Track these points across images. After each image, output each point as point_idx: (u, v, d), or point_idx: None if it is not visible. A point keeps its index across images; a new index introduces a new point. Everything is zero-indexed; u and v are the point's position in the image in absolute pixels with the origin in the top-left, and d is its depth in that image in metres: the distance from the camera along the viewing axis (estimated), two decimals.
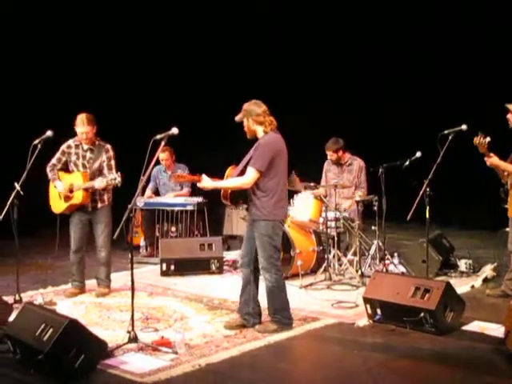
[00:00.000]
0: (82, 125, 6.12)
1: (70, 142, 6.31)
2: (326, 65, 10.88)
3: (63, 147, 6.32)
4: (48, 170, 6.32)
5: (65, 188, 6.19)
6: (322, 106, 10.69)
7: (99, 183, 5.98)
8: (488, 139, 5.71)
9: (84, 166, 6.24)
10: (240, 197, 5.27)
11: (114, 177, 5.96)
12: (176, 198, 8.33)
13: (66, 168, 6.34)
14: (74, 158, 6.27)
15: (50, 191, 6.41)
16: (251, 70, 11.08)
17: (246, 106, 5.26)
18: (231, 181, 5.23)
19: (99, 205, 6.28)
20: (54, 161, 6.32)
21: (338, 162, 7.62)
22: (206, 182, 5.18)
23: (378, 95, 10.53)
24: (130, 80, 10.91)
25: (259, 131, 5.21)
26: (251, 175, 5.08)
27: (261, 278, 5.32)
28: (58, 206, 6.32)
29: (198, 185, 5.22)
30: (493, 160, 5.86)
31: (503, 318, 4.88)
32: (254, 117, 5.17)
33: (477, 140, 5.72)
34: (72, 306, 6.02)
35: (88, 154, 6.25)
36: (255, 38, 11.03)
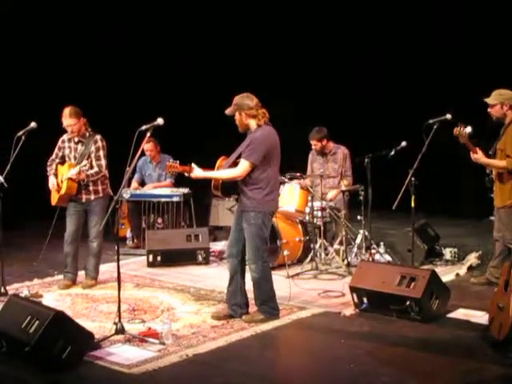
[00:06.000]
0: (65, 118, 6.16)
1: (64, 136, 6.35)
2: (309, 54, 10.84)
3: (59, 142, 6.38)
4: (48, 164, 6.37)
5: (55, 182, 6.23)
6: (307, 96, 10.67)
7: (72, 171, 6.04)
8: (468, 129, 5.65)
9: (75, 159, 6.27)
10: (231, 188, 5.23)
11: (84, 163, 5.99)
12: (160, 188, 8.27)
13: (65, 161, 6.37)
14: (67, 151, 6.32)
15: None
16: (230, 58, 11.01)
17: (237, 99, 5.16)
18: (223, 172, 5.19)
19: (93, 196, 6.26)
20: (52, 156, 6.39)
21: (322, 152, 7.62)
22: (197, 172, 5.16)
23: (363, 84, 10.52)
24: (117, 71, 10.82)
25: (252, 124, 5.15)
26: (244, 168, 5.05)
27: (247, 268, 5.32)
28: (53, 197, 6.36)
29: (191, 175, 5.17)
30: (478, 157, 5.85)
31: (487, 305, 4.94)
32: (247, 110, 5.10)
33: (457, 130, 5.66)
34: (58, 297, 5.99)
35: (79, 147, 6.28)
36: (234, 28, 10.97)
